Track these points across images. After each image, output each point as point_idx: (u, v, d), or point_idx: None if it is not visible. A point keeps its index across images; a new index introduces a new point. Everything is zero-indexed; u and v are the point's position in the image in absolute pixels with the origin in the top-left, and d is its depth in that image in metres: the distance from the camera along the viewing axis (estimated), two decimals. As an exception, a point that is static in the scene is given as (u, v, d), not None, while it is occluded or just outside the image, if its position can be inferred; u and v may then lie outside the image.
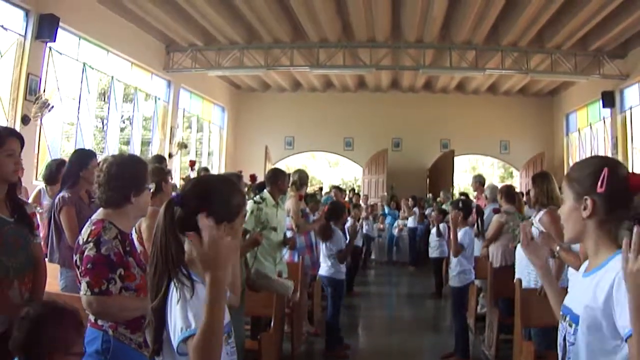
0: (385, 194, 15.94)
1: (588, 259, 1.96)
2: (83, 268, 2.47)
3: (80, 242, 2.55)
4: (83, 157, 4.54)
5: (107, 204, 2.65)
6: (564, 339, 1.86)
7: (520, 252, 5.07)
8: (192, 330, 1.68)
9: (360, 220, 11.69)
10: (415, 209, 13.75)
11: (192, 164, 10.12)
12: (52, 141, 9.64)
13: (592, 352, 1.71)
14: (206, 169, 11.07)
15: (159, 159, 6.97)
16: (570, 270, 4.31)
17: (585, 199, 1.76)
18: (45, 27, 8.73)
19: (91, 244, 2.48)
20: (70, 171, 4.45)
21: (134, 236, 3.02)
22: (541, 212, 4.81)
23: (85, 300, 2.45)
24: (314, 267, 7.02)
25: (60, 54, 9.80)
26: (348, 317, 6.82)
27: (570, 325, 1.82)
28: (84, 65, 10.63)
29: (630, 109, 13.16)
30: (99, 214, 2.66)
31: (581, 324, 1.75)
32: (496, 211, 6.92)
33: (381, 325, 7.99)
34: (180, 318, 1.70)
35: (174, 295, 1.75)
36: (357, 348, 6.56)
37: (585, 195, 1.76)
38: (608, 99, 13.52)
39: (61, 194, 4.29)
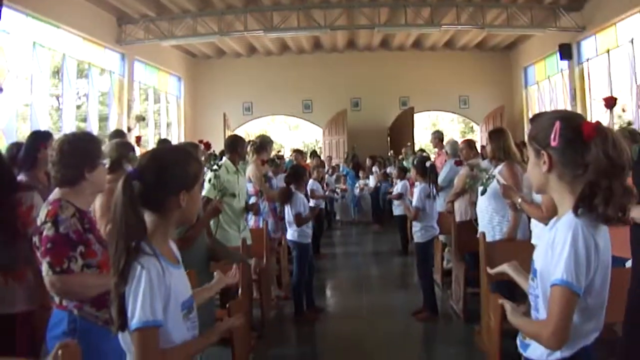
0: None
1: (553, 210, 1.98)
2: (43, 248, 2.45)
3: (39, 223, 2.53)
4: (38, 138, 4.40)
5: (62, 182, 2.63)
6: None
7: (481, 206, 5.11)
8: (153, 322, 1.70)
9: (324, 181, 11.68)
10: (375, 168, 13.80)
11: (138, 139, 9.95)
12: (6, 124, 9.22)
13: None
14: (166, 140, 10.84)
15: (119, 133, 6.76)
16: (533, 222, 4.38)
17: (542, 154, 1.79)
18: (-10, 7, 8.29)
19: (49, 224, 2.46)
20: (26, 154, 4.29)
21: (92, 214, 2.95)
22: (500, 166, 4.87)
23: (48, 281, 2.44)
24: (279, 231, 6.98)
25: (8, 33, 9.37)
26: (316, 279, 6.81)
27: (533, 280, 1.87)
28: (33, 43, 10.22)
29: (588, 60, 13.38)
30: (55, 193, 2.64)
31: (538, 276, 1.81)
32: (458, 163, 6.98)
33: (350, 286, 8.04)
34: (142, 304, 1.69)
35: (138, 275, 1.73)
36: (327, 309, 6.58)
37: (542, 150, 1.79)
38: (565, 52, 13.66)
39: (18, 178, 4.12)
